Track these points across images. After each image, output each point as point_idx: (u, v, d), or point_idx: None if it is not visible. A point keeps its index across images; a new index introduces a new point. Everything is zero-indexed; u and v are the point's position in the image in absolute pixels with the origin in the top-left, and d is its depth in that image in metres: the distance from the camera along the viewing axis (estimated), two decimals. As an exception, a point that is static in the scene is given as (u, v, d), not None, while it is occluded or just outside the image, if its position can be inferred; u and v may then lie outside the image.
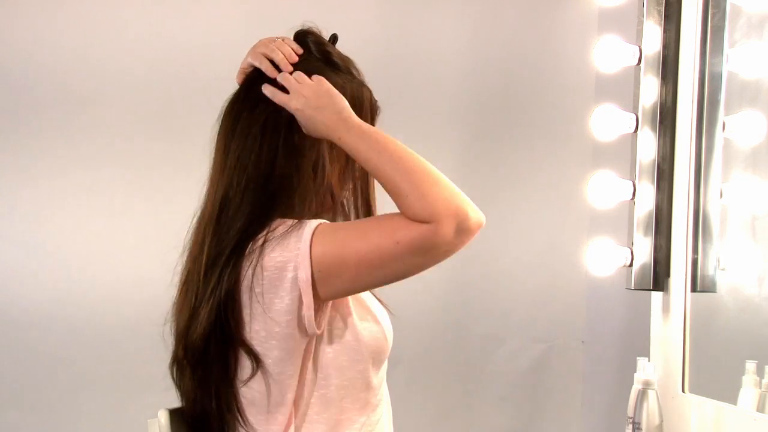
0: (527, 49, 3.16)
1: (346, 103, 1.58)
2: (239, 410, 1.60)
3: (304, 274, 1.50)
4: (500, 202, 3.16)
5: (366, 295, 1.68)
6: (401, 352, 3.04)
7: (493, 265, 3.16)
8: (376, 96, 1.71)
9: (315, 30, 1.70)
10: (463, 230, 1.49)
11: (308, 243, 1.50)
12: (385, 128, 1.72)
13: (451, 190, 1.51)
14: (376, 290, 1.76)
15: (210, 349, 1.57)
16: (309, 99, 1.57)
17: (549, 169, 3.16)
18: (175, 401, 1.68)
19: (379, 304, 1.71)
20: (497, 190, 3.16)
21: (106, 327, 2.86)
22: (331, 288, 1.52)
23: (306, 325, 1.53)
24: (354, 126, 1.56)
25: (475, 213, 1.51)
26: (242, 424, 1.59)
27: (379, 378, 1.66)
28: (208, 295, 1.57)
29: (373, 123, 1.70)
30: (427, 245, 1.49)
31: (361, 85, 1.68)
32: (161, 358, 1.68)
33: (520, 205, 3.17)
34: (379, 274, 1.52)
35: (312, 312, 1.52)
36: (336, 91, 1.59)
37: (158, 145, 2.89)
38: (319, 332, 1.55)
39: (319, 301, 1.53)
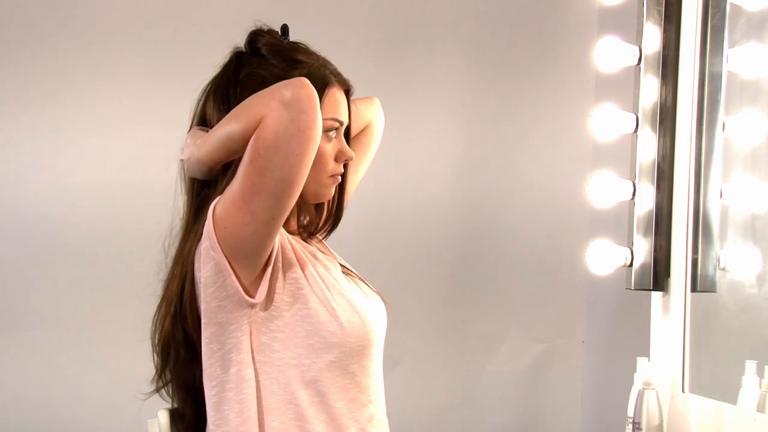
0: (527, 49, 3.16)
1: (193, 138, 1.64)
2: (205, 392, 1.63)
3: (212, 239, 1.54)
4: (501, 202, 3.17)
5: (345, 285, 1.68)
6: (401, 352, 3.05)
7: (494, 264, 3.16)
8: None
9: (264, 28, 1.71)
10: (289, 104, 1.50)
11: (212, 209, 1.55)
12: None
13: (259, 98, 1.53)
14: (364, 280, 1.77)
15: (175, 340, 1.63)
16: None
17: (549, 169, 3.16)
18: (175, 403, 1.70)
19: (360, 292, 1.71)
20: (497, 190, 3.17)
21: (106, 325, 2.86)
22: (240, 239, 1.54)
23: (236, 294, 1.55)
24: (198, 143, 1.62)
25: (288, 90, 1.51)
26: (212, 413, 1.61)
27: (368, 375, 1.65)
28: (174, 288, 1.63)
29: (347, 97, 1.73)
30: (272, 137, 1.50)
31: (323, 66, 1.69)
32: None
33: (521, 204, 3.17)
34: (265, 191, 1.52)
35: (233, 277, 1.54)
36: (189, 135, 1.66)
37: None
38: (254, 300, 1.57)
39: (240, 263, 1.55)
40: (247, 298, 1.56)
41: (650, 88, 2.29)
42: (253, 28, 1.71)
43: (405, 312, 3.00)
